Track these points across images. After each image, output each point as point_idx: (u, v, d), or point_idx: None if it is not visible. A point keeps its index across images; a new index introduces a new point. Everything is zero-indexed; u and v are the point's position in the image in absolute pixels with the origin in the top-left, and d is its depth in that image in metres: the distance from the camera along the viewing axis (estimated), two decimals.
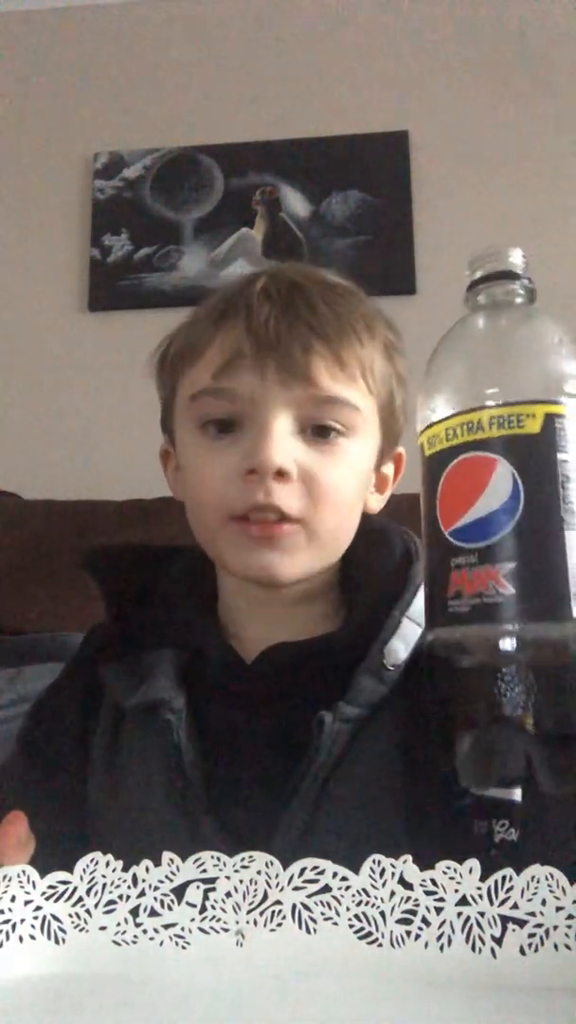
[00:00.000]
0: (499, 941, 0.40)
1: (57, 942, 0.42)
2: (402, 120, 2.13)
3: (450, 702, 0.43)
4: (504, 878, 0.41)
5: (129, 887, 0.42)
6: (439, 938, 0.41)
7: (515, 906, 0.40)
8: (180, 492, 0.70)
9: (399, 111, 2.13)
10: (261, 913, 0.42)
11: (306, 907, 0.41)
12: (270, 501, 0.58)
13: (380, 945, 0.41)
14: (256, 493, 0.58)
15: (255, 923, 0.41)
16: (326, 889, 0.42)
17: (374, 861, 0.42)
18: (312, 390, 0.59)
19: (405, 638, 0.60)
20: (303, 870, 0.42)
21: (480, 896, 0.41)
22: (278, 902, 0.42)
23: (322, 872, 0.42)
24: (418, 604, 0.61)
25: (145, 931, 0.42)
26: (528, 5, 2.14)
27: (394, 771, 0.57)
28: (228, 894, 0.42)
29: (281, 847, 0.53)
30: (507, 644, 0.40)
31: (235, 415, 0.60)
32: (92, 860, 0.42)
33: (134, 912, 0.42)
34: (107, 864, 0.42)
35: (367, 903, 0.41)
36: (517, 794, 0.53)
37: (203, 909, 0.42)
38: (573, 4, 2.13)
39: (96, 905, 0.42)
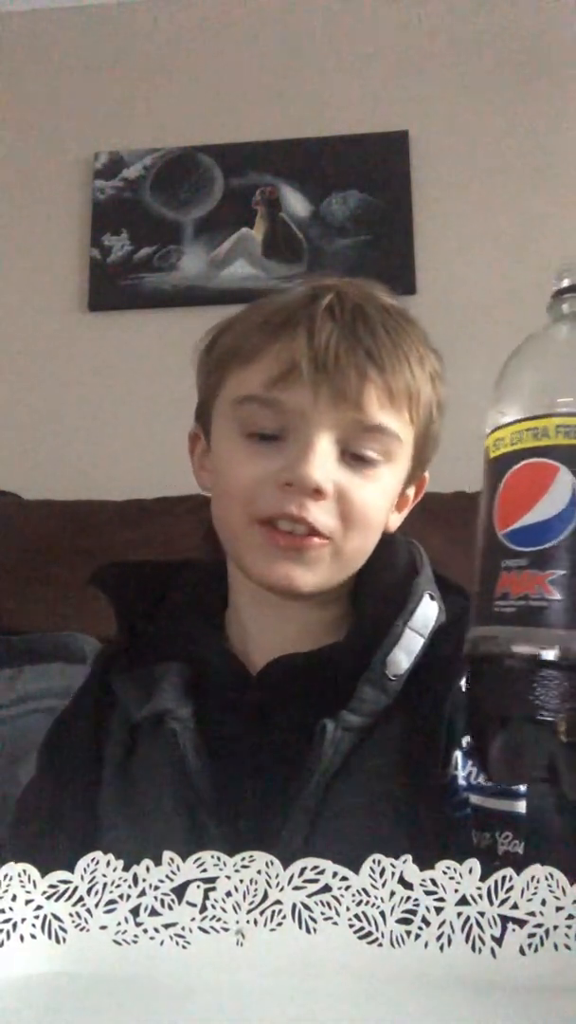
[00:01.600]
0: (499, 941, 0.40)
1: (58, 941, 0.42)
2: (402, 120, 2.13)
3: (486, 699, 0.43)
4: (504, 878, 0.41)
5: (130, 886, 0.42)
6: (439, 938, 0.41)
7: (515, 906, 0.40)
8: (204, 479, 0.70)
9: (399, 111, 2.13)
10: (261, 913, 0.42)
11: (306, 907, 0.42)
12: (302, 515, 0.59)
13: (380, 945, 0.41)
14: (289, 504, 0.59)
15: (255, 923, 0.42)
16: (326, 889, 0.42)
17: (374, 861, 0.42)
18: (360, 416, 0.61)
19: (407, 648, 0.61)
20: (303, 870, 0.42)
21: (480, 896, 0.41)
22: (278, 902, 0.42)
23: (322, 872, 0.42)
24: (421, 614, 0.63)
25: (146, 930, 0.42)
26: (528, 5, 2.14)
27: (395, 780, 0.58)
28: (228, 893, 0.42)
29: (283, 855, 0.53)
30: (548, 649, 0.40)
31: (280, 427, 0.61)
32: (93, 860, 0.42)
33: (135, 911, 0.42)
34: (108, 864, 0.42)
35: (367, 903, 0.41)
36: (521, 806, 0.53)
37: (203, 909, 0.42)
38: (573, 5, 2.13)
39: (97, 904, 0.42)
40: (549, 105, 2.11)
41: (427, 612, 0.63)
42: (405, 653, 0.61)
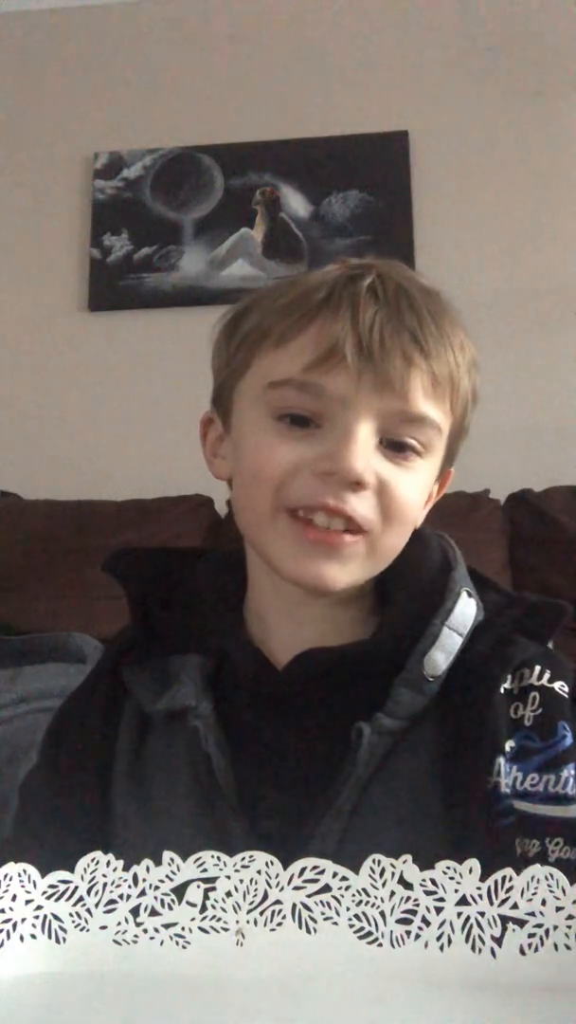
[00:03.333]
0: (499, 941, 0.40)
1: (58, 941, 0.42)
2: (402, 120, 2.13)
3: None
4: (504, 878, 0.41)
5: (130, 886, 0.42)
6: (439, 938, 0.41)
7: (515, 906, 0.40)
8: (218, 467, 0.66)
9: (399, 111, 2.13)
10: (261, 913, 0.42)
11: (306, 907, 0.41)
12: (340, 507, 0.56)
13: (380, 945, 0.41)
14: (326, 495, 0.56)
15: (255, 923, 0.41)
16: (326, 889, 0.42)
17: (374, 861, 0.42)
18: (404, 405, 0.57)
19: (445, 648, 0.58)
20: (303, 870, 0.42)
21: (480, 896, 0.41)
22: (278, 902, 0.42)
23: (322, 872, 0.42)
24: (459, 612, 0.60)
25: (145, 930, 0.42)
26: (528, 6, 2.14)
27: (434, 784, 0.55)
28: (228, 893, 0.42)
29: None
30: None
31: (318, 412, 0.58)
32: (93, 860, 0.42)
33: (135, 911, 0.42)
34: (108, 864, 0.42)
35: (367, 903, 0.41)
36: (573, 811, 0.52)
37: (203, 908, 0.42)
38: (573, 5, 2.13)
39: (97, 904, 0.42)
40: (549, 105, 2.11)
41: (465, 610, 0.60)
42: (443, 653, 0.58)
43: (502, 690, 0.56)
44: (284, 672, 0.60)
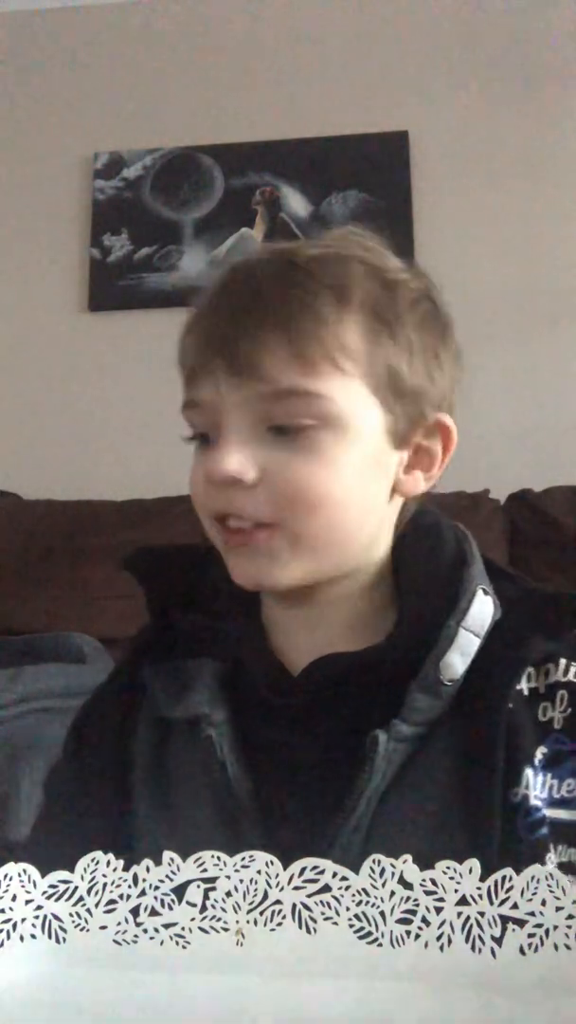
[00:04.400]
0: (499, 941, 0.40)
1: (58, 941, 0.42)
2: (402, 120, 2.13)
3: None
4: (504, 878, 0.41)
5: (130, 886, 0.42)
6: (439, 938, 0.41)
7: (515, 906, 0.40)
8: None
9: (399, 111, 2.13)
10: (261, 913, 0.42)
11: (306, 907, 0.41)
12: (230, 509, 0.55)
13: (380, 945, 0.41)
14: (217, 500, 0.56)
15: (255, 923, 0.41)
16: (326, 889, 0.42)
17: (374, 861, 0.42)
18: (263, 386, 0.54)
19: (462, 650, 0.55)
20: (303, 870, 0.42)
21: (480, 896, 0.41)
22: (278, 902, 0.42)
23: (322, 872, 0.42)
24: (476, 612, 0.57)
25: (145, 930, 0.42)
26: (528, 6, 2.14)
27: (455, 789, 0.53)
28: (228, 893, 0.42)
29: None
30: None
31: (212, 425, 0.57)
32: (93, 859, 0.42)
33: (135, 911, 0.42)
34: (108, 863, 0.42)
35: (367, 903, 0.41)
36: None
37: (203, 908, 0.42)
38: (573, 5, 2.13)
39: (97, 904, 0.42)
40: (549, 105, 2.11)
41: (482, 609, 0.57)
42: (460, 655, 0.55)
43: (525, 691, 0.55)
44: (299, 678, 0.58)
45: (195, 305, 0.61)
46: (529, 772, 0.52)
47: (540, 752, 0.53)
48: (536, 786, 0.52)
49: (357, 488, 0.57)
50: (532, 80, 2.12)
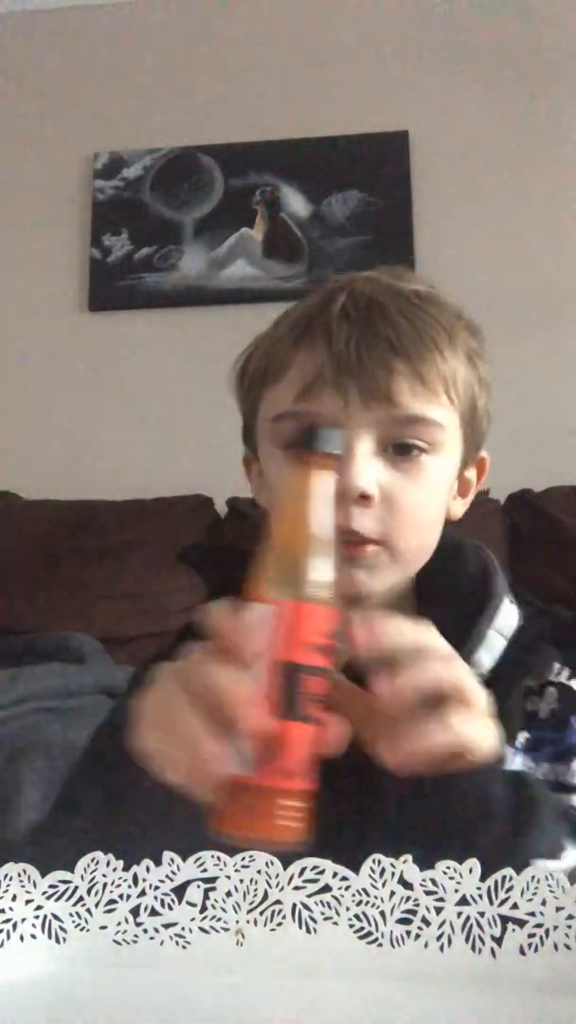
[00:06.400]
0: (499, 941, 0.40)
1: (58, 941, 0.42)
2: (402, 120, 2.13)
3: None
4: (504, 878, 0.41)
5: (130, 886, 0.42)
6: (439, 938, 0.41)
7: (515, 906, 0.40)
8: (264, 499, 0.70)
9: (399, 111, 2.13)
10: (261, 913, 0.42)
11: (306, 907, 0.41)
12: (348, 525, 0.58)
13: (380, 945, 0.41)
14: (339, 516, 0.57)
15: (255, 922, 0.41)
16: (326, 889, 0.42)
17: (374, 861, 0.42)
18: (394, 411, 0.60)
19: (491, 649, 0.61)
20: (303, 870, 0.42)
21: (480, 896, 0.41)
22: (278, 901, 0.42)
23: (322, 872, 0.42)
24: (504, 617, 0.63)
25: (145, 930, 0.42)
26: (528, 5, 2.14)
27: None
28: (228, 893, 0.42)
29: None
30: None
31: None
32: (93, 859, 0.42)
33: (135, 911, 0.42)
34: (108, 863, 0.42)
35: (367, 903, 0.41)
36: None
37: (203, 908, 0.42)
38: (573, 5, 2.13)
39: (97, 904, 0.42)
40: (549, 105, 2.11)
41: (509, 615, 0.63)
42: (489, 654, 0.61)
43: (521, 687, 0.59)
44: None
45: (294, 320, 0.64)
46: (509, 751, 0.56)
47: (523, 737, 0.57)
48: (514, 766, 0.56)
49: (441, 509, 0.65)
50: (532, 80, 2.12)
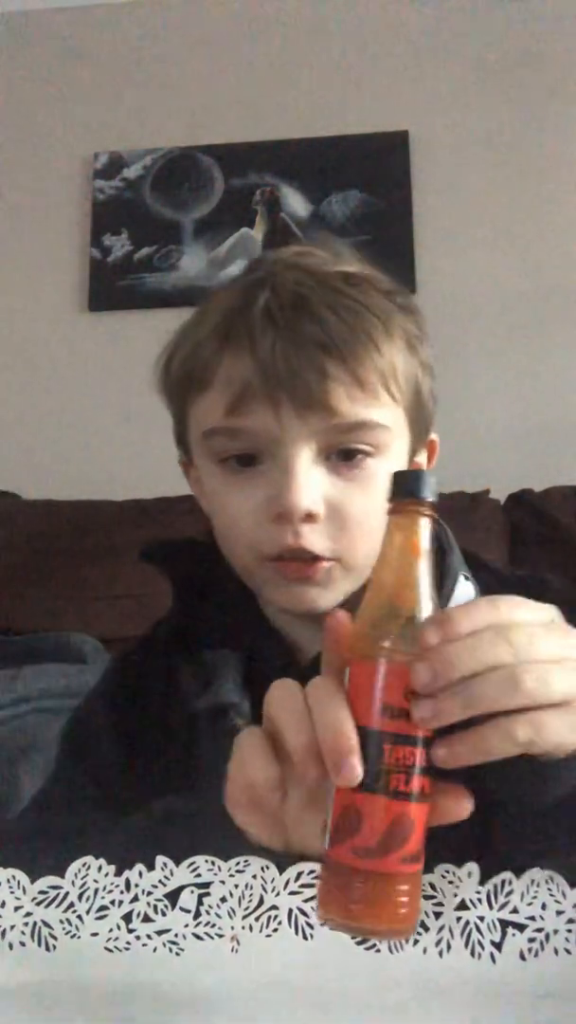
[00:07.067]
0: (499, 946, 0.40)
1: (48, 949, 0.41)
2: (402, 120, 2.12)
3: None
4: (504, 882, 0.40)
5: (122, 892, 0.41)
6: (438, 943, 0.40)
7: (515, 910, 0.40)
8: (205, 507, 0.67)
9: (399, 111, 2.12)
10: (257, 918, 0.41)
11: (303, 912, 0.41)
12: (300, 544, 0.56)
13: (378, 951, 0.40)
14: (285, 537, 0.56)
15: (250, 928, 0.41)
16: None
17: None
18: (332, 419, 0.56)
19: None
20: (299, 874, 0.41)
21: (479, 900, 0.40)
22: (274, 907, 0.41)
23: (318, 876, 0.41)
24: (458, 596, 0.60)
25: (138, 937, 0.41)
26: (528, 5, 2.14)
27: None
28: (223, 899, 0.41)
29: None
30: None
31: (256, 450, 0.57)
32: (83, 864, 0.42)
33: (127, 918, 0.41)
34: (99, 868, 0.42)
35: None
36: None
37: (197, 914, 0.41)
38: (573, 5, 2.13)
39: (88, 911, 0.41)
40: (549, 105, 2.10)
41: (466, 592, 0.60)
42: None
43: None
44: (305, 670, 0.58)
45: (216, 318, 0.59)
46: None
47: None
48: None
49: None
50: (532, 80, 2.11)
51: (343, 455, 0.57)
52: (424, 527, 0.41)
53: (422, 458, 0.66)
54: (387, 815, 0.37)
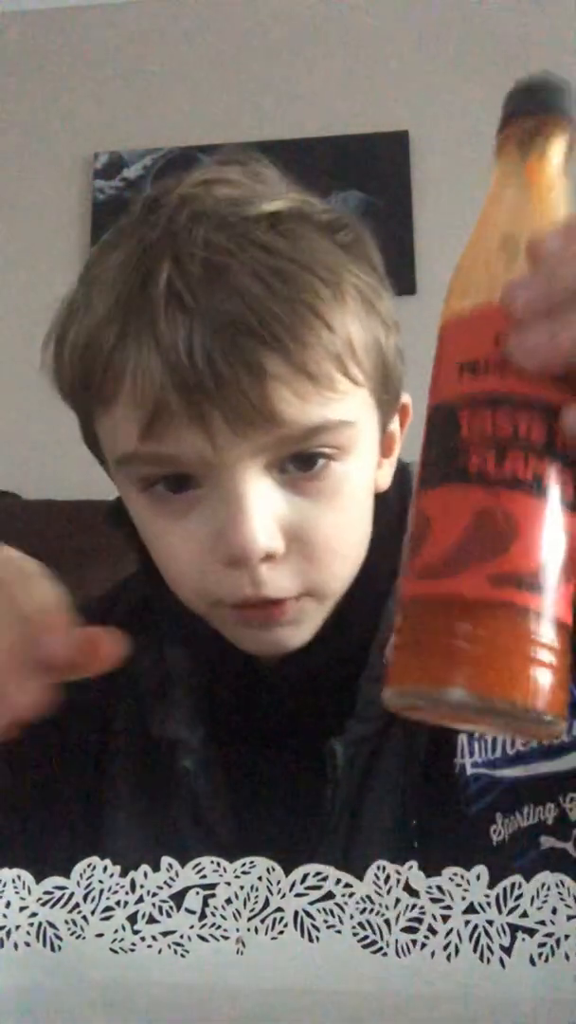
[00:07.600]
0: (508, 951, 0.39)
1: (53, 949, 0.41)
2: (402, 120, 2.12)
3: None
4: (513, 885, 0.40)
5: (127, 893, 0.41)
6: (446, 947, 0.40)
7: (524, 914, 0.39)
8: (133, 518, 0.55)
9: (399, 111, 2.12)
10: (262, 920, 0.41)
11: (308, 914, 0.40)
12: (261, 594, 0.45)
13: (384, 954, 0.40)
14: (242, 587, 0.45)
15: (256, 931, 0.40)
16: (329, 896, 0.40)
17: (378, 867, 0.41)
18: (279, 429, 0.43)
19: None
20: (305, 876, 0.41)
21: (488, 904, 0.40)
22: (279, 909, 0.41)
23: (325, 878, 0.41)
24: None
25: (143, 938, 0.41)
26: (528, 5, 2.14)
27: (409, 783, 0.51)
28: (228, 900, 0.41)
29: None
30: None
31: (186, 471, 0.46)
32: (89, 865, 0.41)
33: (132, 919, 0.41)
34: (104, 869, 0.41)
35: (371, 911, 0.40)
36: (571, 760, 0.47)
37: (203, 916, 0.41)
38: (573, 5, 2.13)
39: (93, 912, 0.41)
40: None
41: None
42: None
43: None
44: (271, 685, 0.54)
45: (110, 294, 0.46)
46: (463, 738, 0.49)
47: None
48: (475, 751, 0.49)
49: (368, 506, 0.51)
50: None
51: (300, 462, 0.45)
52: (558, 144, 0.29)
53: (395, 426, 0.54)
54: (466, 510, 0.25)
